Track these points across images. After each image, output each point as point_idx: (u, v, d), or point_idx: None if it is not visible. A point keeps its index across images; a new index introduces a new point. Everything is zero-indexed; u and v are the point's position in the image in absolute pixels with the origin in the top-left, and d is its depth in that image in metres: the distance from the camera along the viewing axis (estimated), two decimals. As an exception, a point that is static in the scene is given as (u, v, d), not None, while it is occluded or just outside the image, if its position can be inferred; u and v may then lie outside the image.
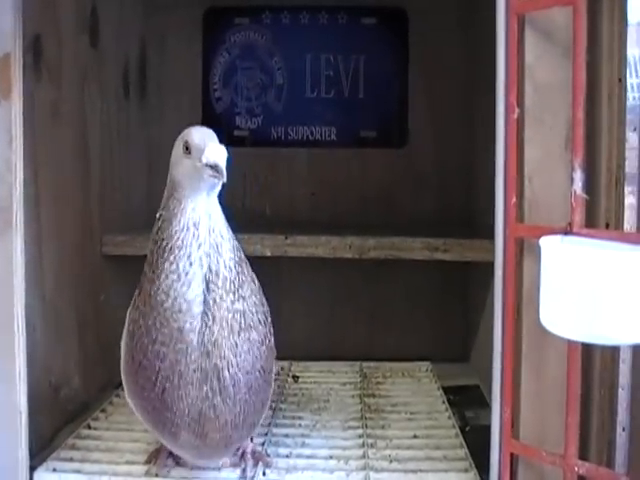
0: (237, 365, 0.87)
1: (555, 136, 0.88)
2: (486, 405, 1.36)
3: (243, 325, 0.88)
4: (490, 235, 1.37)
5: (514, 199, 0.87)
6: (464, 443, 1.09)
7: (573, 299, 0.75)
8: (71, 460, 1.04)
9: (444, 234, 1.42)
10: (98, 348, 1.38)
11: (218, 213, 0.91)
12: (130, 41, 1.60)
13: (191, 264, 0.86)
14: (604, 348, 0.88)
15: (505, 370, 0.88)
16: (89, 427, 1.16)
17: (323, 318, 1.67)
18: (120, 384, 1.33)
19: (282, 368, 1.41)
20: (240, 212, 1.66)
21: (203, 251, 0.87)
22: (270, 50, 1.70)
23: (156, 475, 0.99)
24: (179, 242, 0.87)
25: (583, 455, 0.85)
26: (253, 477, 0.98)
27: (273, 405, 1.23)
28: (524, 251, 0.89)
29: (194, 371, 0.86)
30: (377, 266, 1.57)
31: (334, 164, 1.69)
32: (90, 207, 1.36)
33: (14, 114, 0.94)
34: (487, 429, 1.20)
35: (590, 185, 0.85)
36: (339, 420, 1.18)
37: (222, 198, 1.65)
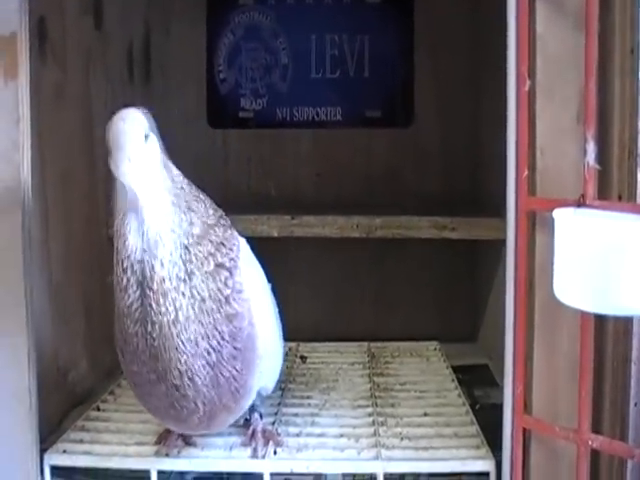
0: (187, 362, 0.84)
1: (567, 108, 0.87)
2: (495, 384, 1.36)
3: (191, 314, 0.83)
4: (497, 213, 1.38)
5: (526, 172, 0.86)
6: (475, 420, 1.08)
7: (587, 270, 0.74)
8: (81, 442, 1.04)
9: (451, 213, 1.41)
10: (104, 332, 1.36)
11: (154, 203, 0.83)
12: (134, 23, 1.59)
13: (124, 270, 0.84)
14: (617, 322, 0.87)
15: (517, 345, 0.87)
16: (98, 409, 1.15)
17: (329, 299, 1.66)
18: (128, 367, 1.34)
19: (290, 349, 1.39)
20: (245, 193, 1.66)
21: (134, 258, 0.83)
22: (275, 31, 1.69)
23: (166, 455, 0.98)
24: (121, 242, 0.85)
25: (596, 430, 0.84)
26: (264, 456, 0.97)
27: (282, 385, 1.22)
28: (536, 225, 0.88)
29: (147, 373, 0.86)
30: (383, 246, 1.56)
31: (339, 144, 1.68)
32: (96, 189, 1.35)
33: (21, 94, 0.93)
34: (497, 407, 1.20)
35: (602, 158, 0.84)
36: (348, 399, 1.18)
37: (227, 180, 1.66)
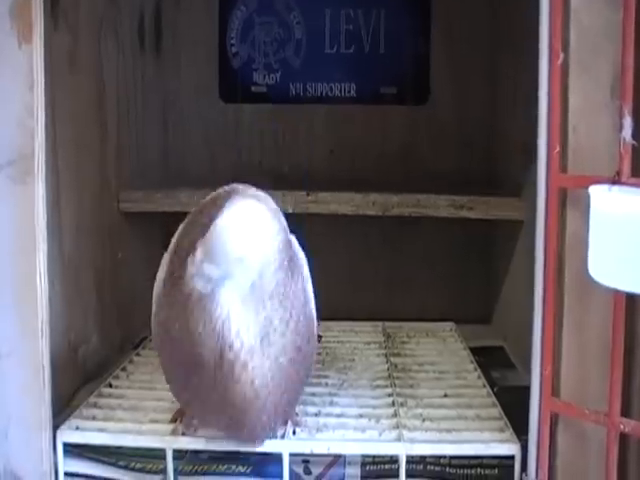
0: (258, 382, 0.81)
1: (601, 83, 0.84)
2: (512, 366, 1.35)
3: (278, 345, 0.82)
4: (515, 193, 1.35)
5: (557, 148, 0.84)
6: (497, 402, 1.06)
7: (623, 249, 0.72)
8: (94, 419, 1.01)
9: (466, 191, 1.39)
10: (115, 307, 1.35)
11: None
12: (145, -8, 1.56)
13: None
14: (647, 304, 0.85)
15: (545, 326, 0.85)
16: (110, 386, 1.13)
17: (343, 278, 1.64)
18: (139, 344, 1.33)
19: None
20: (257, 170, 1.64)
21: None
22: (288, 4, 1.66)
23: (182, 434, 0.96)
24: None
25: (625, 414, 0.82)
26: (283, 436, 0.95)
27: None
28: (567, 203, 0.85)
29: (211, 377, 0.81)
30: (397, 224, 1.54)
31: (353, 121, 1.66)
32: (107, 160, 1.33)
33: (35, 58, 0.90)
34: (515, 390, 1.20)
35: (636, 135, 0.81)
36: (366, 379, 1.16)
37: (239, 156, 1.63)
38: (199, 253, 0.75)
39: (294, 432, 0.97)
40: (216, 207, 0.80)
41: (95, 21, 1.28)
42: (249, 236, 0.76)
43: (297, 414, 1.01)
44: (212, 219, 0.76)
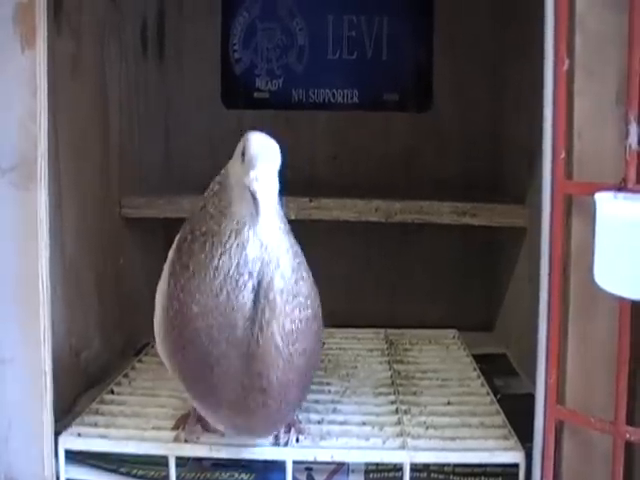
0: (283, 369, 0.83)
1: (606, 89, 0.84)
2: (515, 373, 1.34)
3: (297, 333, 0.83)
4: (518, 200, 1.35)
5: (563, 154, 0.83)
6: (500, 410, 1.05)
7: (629, 256, 0.72)
8: (96, 425, 1.01)
9: (470, 198, 1.39)
10: (117, 312, 1.35)
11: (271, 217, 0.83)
12: (149, -1, 1.56)
13: (241, 274, 0.82)
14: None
15: (551, 333, 0.84)
16: (112, 392, 1.12)
17: (345, 284, 1.63)
18: (140, 350, 1.32)
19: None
20: (260, 175, 1.62)
21: (254, 262, 0.82)
22: (291, 10, 1.66)
23: (185, 441, 0.96)
24: (228, 246, 0.82)
25: (630, 422, 0.82)
26: (287, 443, 0.95)
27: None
28: (572, 210, 0.85)
29: (237, 369, 0.82)
30: (401, 231, 1.53)
31: (356, 127, 1.65)
32: (109, 166, 1.33)
33: (38, 63, 0.90)
34: (518, 397, 1.19)
35: (640, 141, 0.81)
36: (369, 386, 1.15)
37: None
38: (251, 162, 0.80)
39: (297, 440, 0.96)
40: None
41: (98, 26, 1.27)
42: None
43: (300, 422, 1.00)
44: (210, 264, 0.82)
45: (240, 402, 0.83)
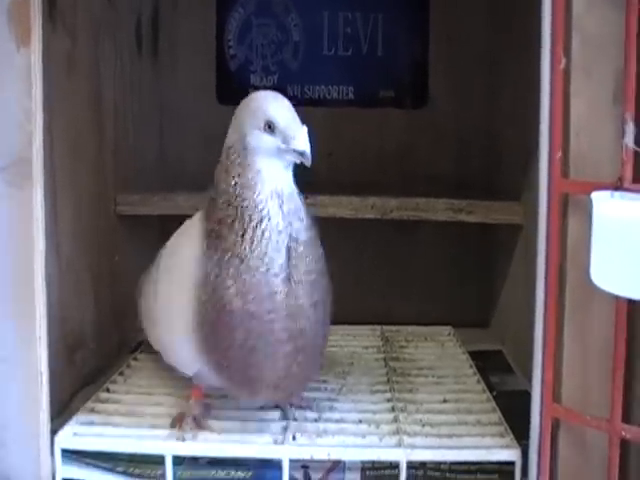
0: (316, 322, 0.91)
1: (603, 89, 0.84)
2: (511, 370, 1.34)
3: (317, 284, 0.92)
4: (514, 197, 1.35)
5: (559, 153, 0.83)
6: (497, 408, 1.06)
7: (625, 255, 0.72)
8: (92, 424, 1.01)
9: (465, 195, 1.39)
10: (113, 311, 1.35)
11: (291, 179, 0.94)
12: (143, -5, 1.55)
13: (279, 232, 0.88)
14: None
15: (547, 331, 0.85)
16: (108, 390, 1.12)
17: (341, 282, 1.62)
18: (136, 348, 1.32)
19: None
20: (255, 173, 1.62)
21: (287, 220, 0.89)
22: (286, 6, 1.65)
23: (183, 440, 0.96)
24: (265, 212, 0.88)
25: (626, 420, 0.82)
26: (283, 441, 0.95)
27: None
28: (568, 208, 0.85)
29: (281, 331, 0.87)
30: (397, 228, 1.53)
31: (352, 124, 1.65)
32: (104, 163, 1.32)
33: (34, 61, 0.90)
34: (514, 394, 1.19)
35: (638, 141, 0.81)
36: (365, 384, 1.15)
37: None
38: (288, 130, 0.90)
39: (294, 437, 0.96)
40: None
41: (93, 24, 1.27)
42: None
43: (296, 419, 1.01)
44: (247, 240, 0.88)
45: (283, 370, 0.89)
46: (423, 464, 0.97)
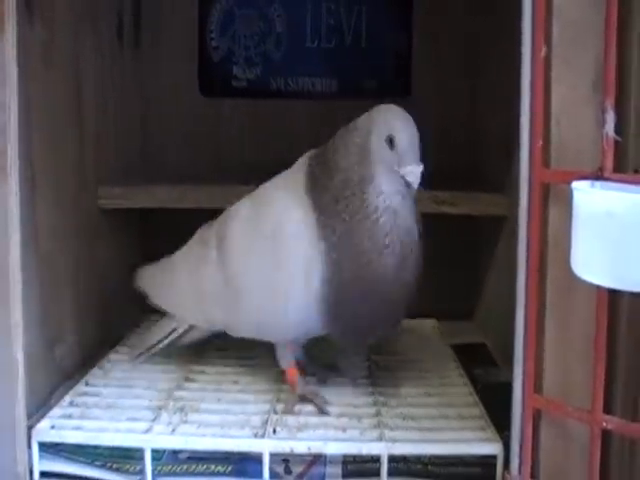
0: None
1: (583, 77, 0.83)
2: (494, 363, 1.33)
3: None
4: (497, 189, 1.34)
5: (540, 142, 0.83)
6: (478, 401, 1.05)
7: (605, 245, 0.71)
8: (70, 417, 1.00)
9: (448, 187, 1.38)
10: (94, 305, 1.33)
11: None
12: (124, -14, 1.54)
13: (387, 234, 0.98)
14: (631, 300, 0.84)
15: (528, 322, 0.84)
16: (87, 384, 1.11)
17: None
18: (117, 342, 1.31)
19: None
20: (238, 164, 1.61)
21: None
22: (269, -3, 1.64)
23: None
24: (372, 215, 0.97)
25: (608, 411, 0.81)
26: (263, 435, 0.94)
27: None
28: (549, 198, 0.84)
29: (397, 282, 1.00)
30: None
31: (335, 115, 1.63)
32: (85, 157, 1.31)
33: (8, 52, 0.88)
34: (497, 387, 1.19)
35: (618, 130, 0.80)
36: (348, 377, 1.15)
37: (220, 151, 1.61)
38: (404, 156, 0.99)
39: (274, 431, 0.96)
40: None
41: (72, 16, 1.25)
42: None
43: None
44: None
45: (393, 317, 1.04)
46: (404, 457, 0.96)
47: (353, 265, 0.95)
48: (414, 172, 0.96)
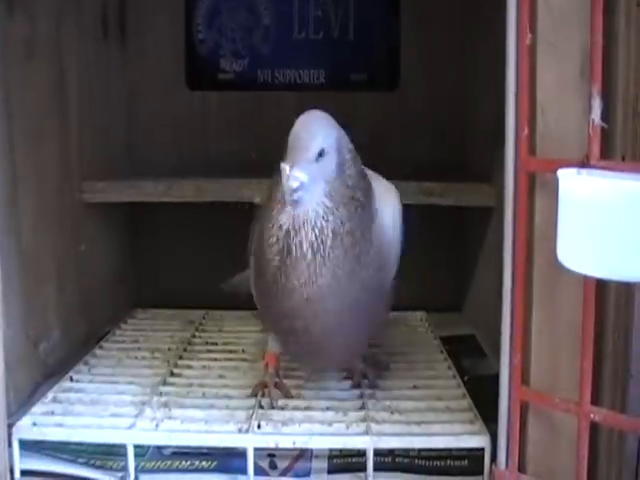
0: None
1: (570, 63, 0.82)
2: (483, 355, 1.33)
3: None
4: (485, 179, 1.33)
5: (526, 131, 0.81)
6: (467, 394, 1.04)
7: (592, 234, 0.70)
8: (52, 414, 0.98)
9: (438, 178, 1.37)
10: (78, 300, 1.32)
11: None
12: (108, -22, 1.52)
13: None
14: (618, 290, 0.83)
15: (515, 313, 0.83)
16: (71, 380, 1.10)
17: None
18: (103, 337, 1.30)
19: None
20: (225, 157, 1.60)
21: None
22: (256, -12, 1.63)
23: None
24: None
25: (595, 402, 0.80)
26: (247, 430, 0.93)
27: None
28: (535, 187, 0.83)
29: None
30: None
31: (323, 108, 1.62)
32: (69, 150, 1.29)
33: (-15, 45, 0.87)
34: (486, 379, 1.18)
35: (605, 117, 0.79)
36: (334, 370, 1.13)
37: (207, 144, 1.59)
38: (286, 161, 0.85)
39: (259, 426, 0.94)
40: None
41: (54, 8, 1.23)
42: (321, 130, 0.91)
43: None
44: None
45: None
46: (391, 451, 0.95)
47: None
48: (283, 170, 0.84)
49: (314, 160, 0.86)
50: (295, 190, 0.84)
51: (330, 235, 0.87)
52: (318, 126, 0.92)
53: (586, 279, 0.76)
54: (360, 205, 0.92)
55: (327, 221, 0.87)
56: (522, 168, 0.82)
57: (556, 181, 0.74)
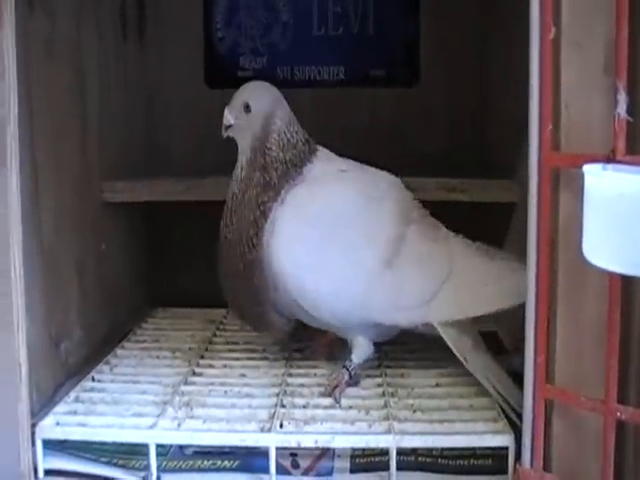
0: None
1: (594, 59, 0.81)
2: (504, 351, 1.31)
3: None
4: (507, 175, 1.32)
5: (550, 126, 0.80)
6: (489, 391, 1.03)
7: (618, 229, 0.69)
8: (75, 414, 0.98)
9: (457, 174, 1.36)
10: (99, 300, 1.32)
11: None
12: (127, -25, 1.52)
13: None
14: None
15: (539, 310, 0.82)
16: (93, 380, 1.10)
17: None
18: (124, 337, 1.30)
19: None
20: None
21: None
22: (274, -14, 1.62)
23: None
24: None
25: (621, 401, 0.79)
26: (270, 429, 0.92)
27: (285, 354, 1.19)
28: (560, 183, 0.82)
29: None
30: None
31: (342, 104, 1.62)
32: (89, 150, 1.29)
33: (7, 43, 0.86)
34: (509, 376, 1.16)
35: (630, 112, 0.78)
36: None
37: (226, 143, 1.60)
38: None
39: (281, 425, 0.94)
40: None
41: (74, 7, 1.23)
42: (252, 91, 1.14)
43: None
44: None
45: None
46: (414, 450, 0.94)
47: None
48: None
49: (241, 109, 1.11)
50: (226, 127, 1.13)
51: (242, 187, 1.09)
52: (251, 88, 1.14)
53: (611, 275, 0.75)
54: (268, 184, 1.08)
55: (243, 174, 1.11)
56: (546, 164, 0.81)
57: (581, 176, 0.73)
